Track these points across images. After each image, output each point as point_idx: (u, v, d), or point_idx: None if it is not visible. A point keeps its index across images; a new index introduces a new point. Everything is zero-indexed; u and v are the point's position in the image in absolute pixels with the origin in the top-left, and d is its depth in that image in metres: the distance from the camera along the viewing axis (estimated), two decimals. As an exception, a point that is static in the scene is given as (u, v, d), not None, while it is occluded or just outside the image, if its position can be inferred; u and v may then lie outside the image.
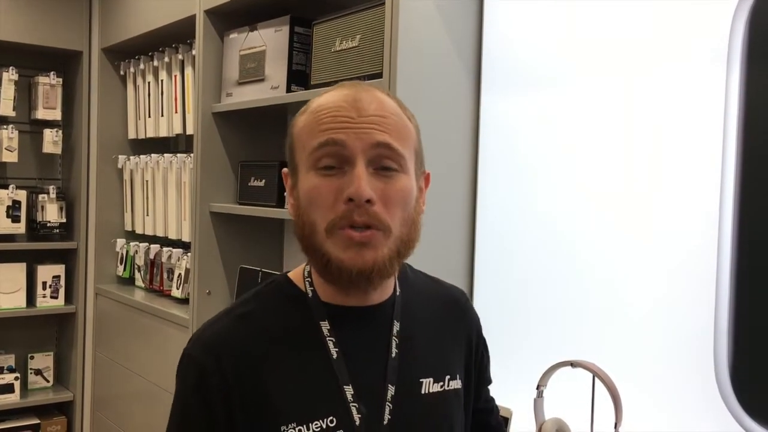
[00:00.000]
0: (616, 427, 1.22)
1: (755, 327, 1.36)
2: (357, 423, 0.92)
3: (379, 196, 0.90)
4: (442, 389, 1.02)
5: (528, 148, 1.77)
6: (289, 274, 1.03)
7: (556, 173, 1.70)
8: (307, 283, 0.99)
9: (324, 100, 0.95)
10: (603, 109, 1.61)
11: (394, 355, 0.98)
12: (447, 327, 1.08)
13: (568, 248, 1.67)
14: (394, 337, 0.99)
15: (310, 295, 0.98)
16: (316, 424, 0.91)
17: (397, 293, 1.03)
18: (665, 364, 1.48)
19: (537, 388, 1.32)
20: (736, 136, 1.38)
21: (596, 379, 1.26)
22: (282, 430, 0.90)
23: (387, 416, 0.95)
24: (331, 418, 0.91)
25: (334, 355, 0.94)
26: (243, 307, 1.00)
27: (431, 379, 1.01)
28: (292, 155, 0.97)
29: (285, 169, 1.01)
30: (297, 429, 0.90)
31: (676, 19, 1.48)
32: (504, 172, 1.82)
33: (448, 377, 1.03)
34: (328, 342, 0.95)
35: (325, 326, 0.96)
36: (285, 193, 1.02)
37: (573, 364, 1.28)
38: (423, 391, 1.00)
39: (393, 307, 1.01)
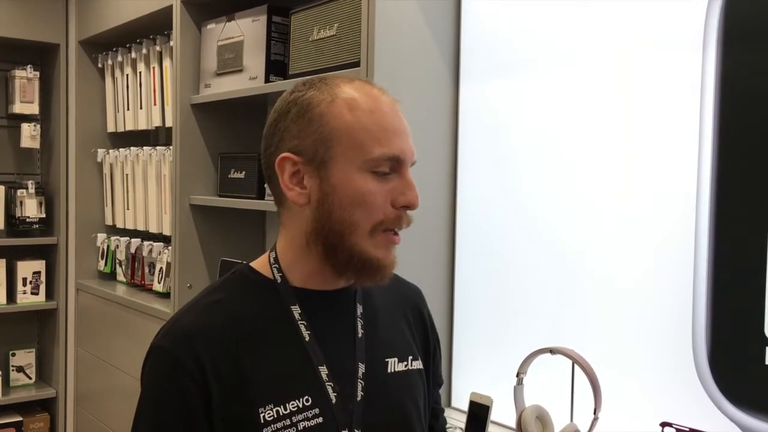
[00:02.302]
0: (595, 412, 1.22)
1: (732, 311, 1.36)
2: (333, 401, 0.95)
3: None
4: (406, 368, 1.06)
5: (508, 135, 1.76)
6: (252, 264, 1.04)
7: (535, 160, 1.70)
8: (274, 269, 1.01)
9: (372, 100, 0.96)
10: (582, 96, 1.60)
11: (360, 335, 1.02)
12: (405, 316, 1.12)
13: (549, 235, 1.67)
14: (359, 318, 1.03)
15: (279, 281, 1.00)
16: (293, 404, 0.93)
17: None
18: (644, 350, 1.49)
19: (517, 376, 1.32)
20: (713, 121, 1.38)
21: (575, 365, 1.26)
22: (260, 411, 0.92)
23: (360, 393, 0.98)
24: (306, 397, 0.94)
25: (307, 338, 0.97)
26: (211, 296, 1.00)
27: (396, 359, 1.05)
28: (326, 146, 0.94)
29: (287, 154, 0.95)
30: (274, 410, 0.92)
31: (652, 6, 1.48)
32: (483, 160, 1.82)
33: (410, 357, 1.07)
34: (300, 325, 0.98)
35: (296, 310, 0.98)
36: (282, 180, 0.97)
37: (552, 350, 1.28)
38: (389, 370, 1.04)
39: (355, 292, 1.05)
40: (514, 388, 1.32)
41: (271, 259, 1.02)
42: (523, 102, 1.72)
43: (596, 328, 1.57)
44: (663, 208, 1.46)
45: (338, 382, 0.96)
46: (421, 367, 1.08)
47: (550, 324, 1.66)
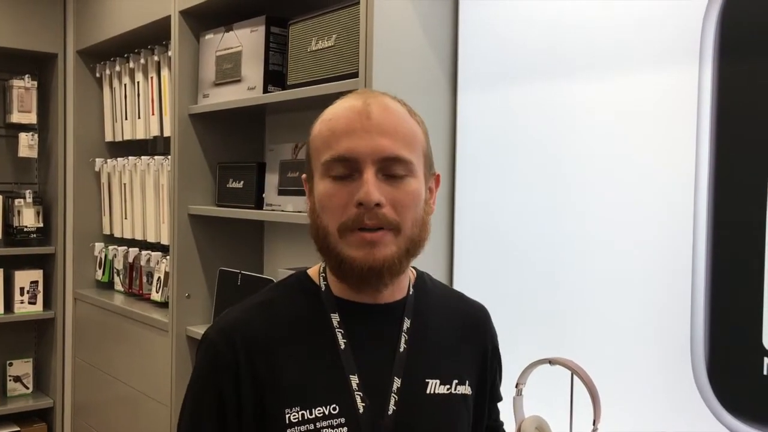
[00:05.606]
0: (594, 423, 1.22)
1: (731, 321, 1.37)
2: (360, 411, 0.96)
3: (388, 199, 0.95)
4: (448, 392, 1.04)
5: (505, 145, 1.77)
6: (308, 270, 1.08)
7: (532, 170, 1.70)
8: (321, 278, 1.05)
9: (336, 108, 0.99)
10: (578, 105, 1.61)
11: (402, 349, 1.02)
12: (461, 336, 1.11)
13: (546, 244, 1.67)
14: (403, 333, 1.03)
15: (323, 289, 1.04)
16: (319, 410, 0.95)
17: (410, 294, 1.07)
18: (642, 360, 1.49)
19: (516, 387, 1.32)
20: (710, 129, 1.39)
21: (575, 376, 1.26)
22: (285, 412, 0.94)
23: (392, 407, 0.98)
24: (334, 405, 0.95)
25: (342, 346, 0.99)
26: (262, 296, 1.06)
27: (437, 381, 1.04)
28: (308, 162, 1.03)
29: (304, 175, 1.05)
30: (300, 413, 0.94)
31: (649, 16, 1.49)
32: (481, 170, 1.82)
33: (455, 381, 1.06)
34: (337, 333, 1.00)
35: (335, 318, 1.01)
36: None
37: (551, 361, 1.28)
38: (428, 391, 1.03)
39: (405, 306, 1.05)
40: (513, 398, 1.31)
41: (321, 268, 1.06)
42: (521, 110, 1.73)
43: (594, 337, 1.57)
44: (660, 217, 1.46)
45: (368, 394, 0.97)
46: (467, 392, 1.07)
47: (548, 333, 1.66)
